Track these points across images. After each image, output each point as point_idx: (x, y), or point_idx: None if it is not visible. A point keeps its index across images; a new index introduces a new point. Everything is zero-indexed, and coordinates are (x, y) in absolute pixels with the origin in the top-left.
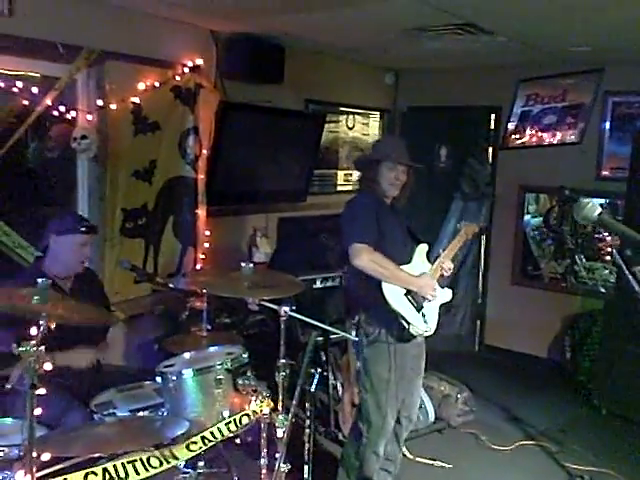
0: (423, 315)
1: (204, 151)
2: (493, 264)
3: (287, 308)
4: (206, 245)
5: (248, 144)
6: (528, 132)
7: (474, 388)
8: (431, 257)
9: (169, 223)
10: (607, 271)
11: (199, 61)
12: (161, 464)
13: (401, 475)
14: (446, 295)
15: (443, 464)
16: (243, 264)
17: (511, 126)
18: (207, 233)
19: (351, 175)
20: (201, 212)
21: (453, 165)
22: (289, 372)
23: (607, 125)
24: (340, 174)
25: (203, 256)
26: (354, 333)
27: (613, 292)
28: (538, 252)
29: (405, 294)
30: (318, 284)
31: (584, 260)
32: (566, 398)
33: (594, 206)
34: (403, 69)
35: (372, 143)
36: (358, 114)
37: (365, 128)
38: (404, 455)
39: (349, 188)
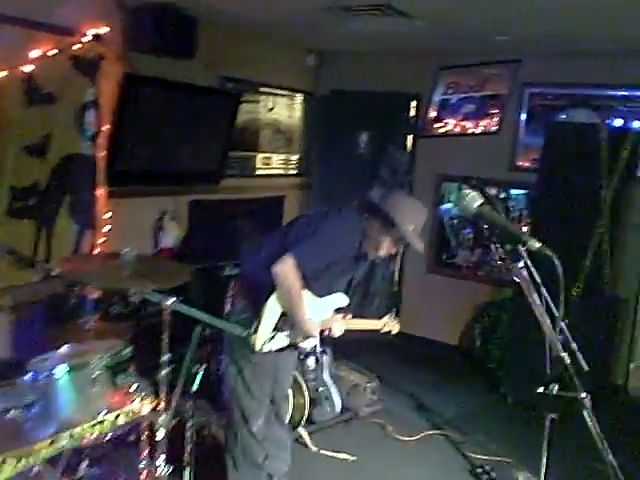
0: (272, 338)
1: (105, 127)
2: (410, 252)
3: (171, 300)
4: (107, 228)
5: (155, 121)
6: (447, 121)
7: (386, 377)
8: (340, 309)
9: (65, 204)
10: None
11: (102, 30)
12: (19, 461)
13: (303, 468)
14: (308, 343)
15: (347, 456)
16: (123, 250)
17: (431, 114)
18: (108, 215)
19: (270, 159)
20: (100, 192)
21: (373, 152)
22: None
23: (523, 116)
24: (259, 157)
25: (103, 240)
26: (228, 304)
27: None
28: (455, 241)
29: (282, 314)
30: (227, 271)
31: (499, 249)
32: (476, 386)
33: (474, 197)
34: (326, 51)
35: (395, 195)
36: (279, 95)
37: (285, 110)
38: (306, 446)
39: (269, 172)
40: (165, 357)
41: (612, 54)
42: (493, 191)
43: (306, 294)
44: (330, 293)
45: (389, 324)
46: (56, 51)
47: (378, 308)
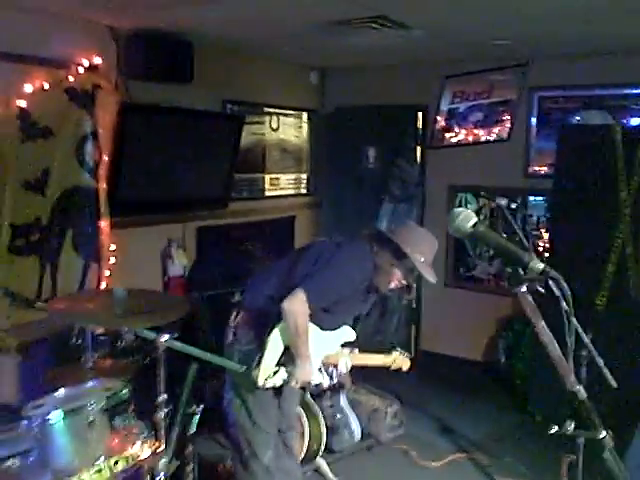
0: (274, 373)
1: (105, 157)
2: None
3: (165, 337)
4: (112, 260)
5: (156, 148)
6: (456, 130)
7: (407, 398)
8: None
9: (68, 238)
10: None
11: (97, 60)
12: None
13: None
14: (317, 379)
15: None
16: (115, 288)
17: (438, 125)
18: (112, 247)
19: (278, 179)
20: (104, 224)
21: (382, 166)
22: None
23: (534, 121)
24: (267, 178)
25: (108, 272)
26: (230, 335)
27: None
28: (474, 253)
29: (286, 347)
30: (237, 297)
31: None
32: (502, 404)
33: (467, 217)
34: (328, 67)
35: (406, 225)
36: (284, 115)
37: (290, 129)
38: (326, 477)
39: (278, 193)
40: (161, 397)
41: (623, 52)
42: (503, 201)
43: (312, 327)
44: (337, 327)
45: (399, 360)
46: (50, 84)
47: (396, 327)
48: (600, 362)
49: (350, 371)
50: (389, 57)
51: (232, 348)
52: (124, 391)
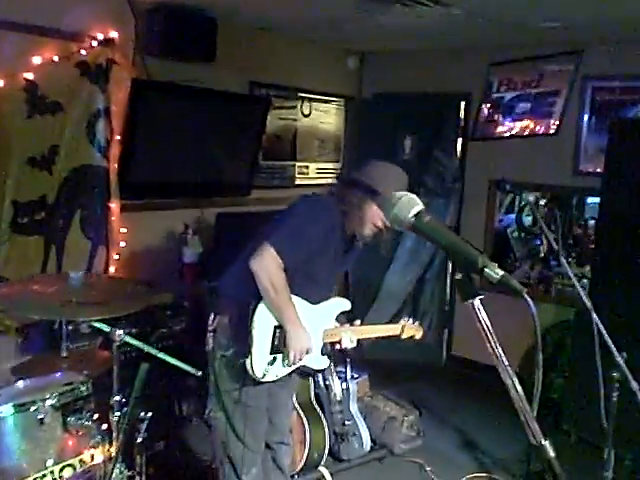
0: (273, 360)
1: (117, 137)
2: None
3: (119, 332)
4: (122, 244)
5: (173, 129)
6: (500, 122)
7: (430, 407)
8: (343, 318)
9: (76, 218)
10: None
11: (113, 34)
12: None
13: None
14: (318, 363)
15: None
16: (72, 274)
17: (481, 115)
18: (123, 230)
19: (308, 168)
20: (114, 206)
21: (418, 158)
22: None
23: (586, 114)
24: (296, 166)
25: (117, 257)
26: (210, 340)
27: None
28: (522, 254)
29: (275, 327)
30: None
31: (567, 263)
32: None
33: (410, 202)
34: (367, 52)
35: (372, 163)
36: (317, 100)
37: (323, 116)
38: None
39: (307, 182)
40: (116, 398)
41: None
42: (531, 197)
43: (299, 302)
44: (325, 297)
45: (408, 328)
46: (60, 57)
47: (427, 330)
48: (635, 386)
49: (369, 375)
50: (430, 41)
51: (214, 355)
52: (82, 388)
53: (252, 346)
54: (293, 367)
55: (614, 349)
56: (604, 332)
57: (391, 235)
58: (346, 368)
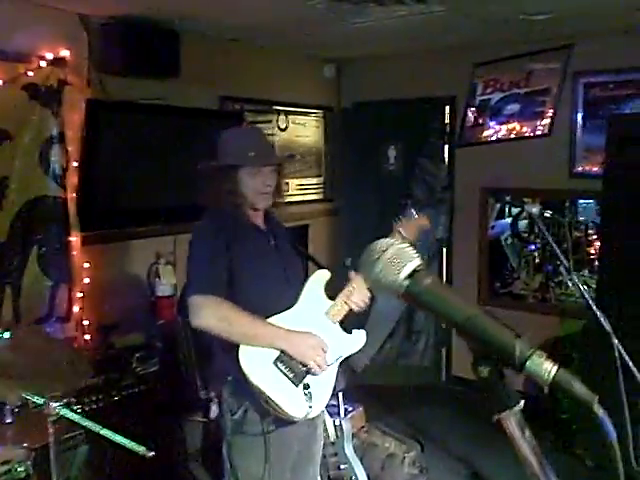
0: (305, 388)
1: (74, 163)
2: (457, 281)
3: (55, 405)
4: (86, 281)
5: (137, 151)
6: (488, 125)
7: (432, 434)
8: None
9: (32, 256)
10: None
11: (64, 52)
12: None
13: None
14: (354, 343)
15: None
16: None
17: (468, 119)
18: (86, 265)
19: (287, 185)
20: (74, 239)
21: (403, 167)
22: None
23: (579, 112)
24: None
25: (81, 294)
26: (214, 407)
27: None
28: (518, 263)
29: (276, 360)
30: None
31: (565, 271)
32: (544, 444)
33: (401, 257)
34: (344, 59)
35: (219, 138)
36: (293, 113)
37: (301, 129)
38: None
39: (288, 200)
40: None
41: None
42: (534, 209)
43: (276, 320)
44: (296, 292)
45: (407, 227)
46: (4, 80)
47: (424, 350)
48: None
49: (365, 406)
50: (410, 44)
51: (224, 421)
52: (20, 469)
53: (268, 396)
54: (333, 367)
55: (637, 372)
56: (627, 358)
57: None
58: (338, 402)
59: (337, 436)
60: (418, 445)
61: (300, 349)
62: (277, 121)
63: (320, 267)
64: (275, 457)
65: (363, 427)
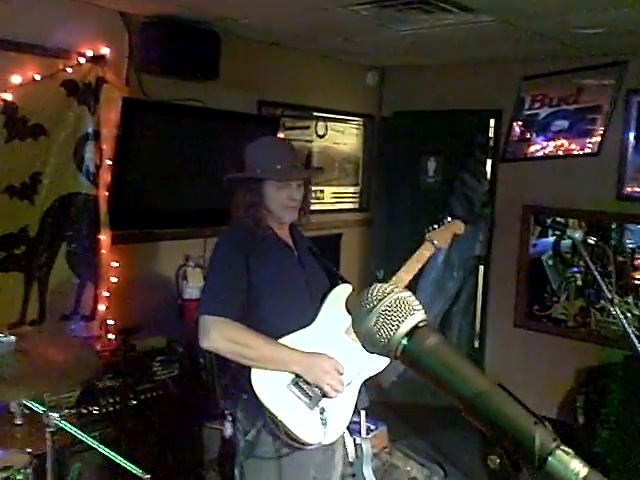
0: (321, 413)
1: (108, 162)
2: (492, 301)
3: (55, 415)
4: (113, 280)
5: (171, 153)
6: (534, 141)
7: (457, 458)
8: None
9: (61, 252)
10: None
11: (103, 50)
12: None
13: None
14: (375, 363)
15: None
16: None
17: (513, 134)
18: (114, 264)
19: (323, 192)
20: (104, 237)
21: (443, 181)
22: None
23: (631, 131)
24: (312, 190)
25: (107, 294)
26: (228, 425)
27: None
28: (558, 285)
29: (290, 383)
30: None
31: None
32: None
33: (400, 308)
34: (387, 67)
35: (246, 149)
36: (332, 120)
37: (340, 136)
38: None
39: (321, 207)
40: None
41: None
42: (577, 234)
43: (292, 339)
44: (307, 306)
45: (439, 234)
46: (43, 76)
47: None
48: None
49: (388, 425)
50: (455, 54)
51: (237, 441)
52: (19, 476)
53: (281, 421)
54: (352, 390)
55: None
56: None
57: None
58: (360, 420)
59: (357, 456)
60: (441, 470)
61: (314, 372)
62: (316, 127)
63: (344, 281)
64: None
65: (385, 447)
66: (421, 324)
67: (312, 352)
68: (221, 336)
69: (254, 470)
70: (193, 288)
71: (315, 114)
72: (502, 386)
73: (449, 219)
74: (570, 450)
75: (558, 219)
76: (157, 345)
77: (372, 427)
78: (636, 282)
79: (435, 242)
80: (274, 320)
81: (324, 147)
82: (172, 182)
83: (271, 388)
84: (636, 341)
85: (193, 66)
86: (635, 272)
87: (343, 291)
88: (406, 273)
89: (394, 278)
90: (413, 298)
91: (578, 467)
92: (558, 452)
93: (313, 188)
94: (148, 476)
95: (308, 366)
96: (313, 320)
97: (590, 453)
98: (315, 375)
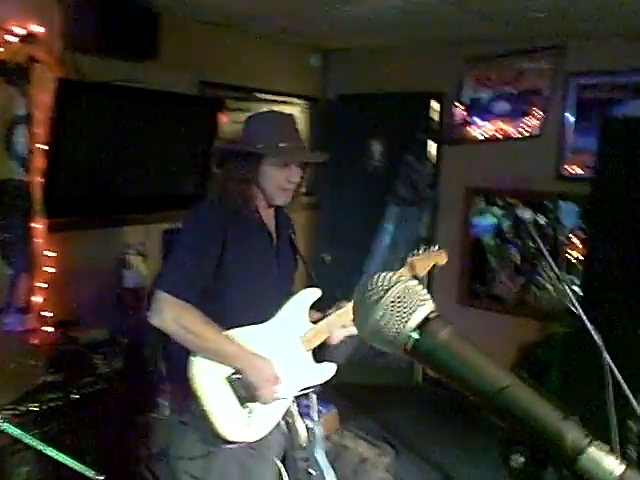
0: (249, 412)
1: (41, 146)
2: (437, 281)
3: None
4: (50, 270)
5: (109, 136)
6: (477, 124)
7: (406, 439)
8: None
9: None
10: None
11: (35, 28)
12: None
13: None
14: (319, 375)
15: None
16: None
17: (457, 117)
18: (50, 254)
19: None
20: (38, 226)
21: (388, 164)
22: None
23: (570, 113)
24: None
25: (44, 285)
26: (164, 406)
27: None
28: (498, 263)
29: (228, 376)
30: None
31: (550, 273)
32: (522, 450)
33: (408, 299)
34: (331, 49)
35: (246, 121)
36: (276, 102)
37: None
38: None
39: None
40: None
41: None
42: (527, 214)
43: (243, 332)
44: (278, 307)
45: (421, 260)
46: None
47: None
48: None
49: (339, 413)
50: (399, 36)
51: (170, 423)
52: None
53: (209, 411)
54: (287, 400)
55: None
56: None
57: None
58: (312, 404)
59: (309, 440)
60: (391, 449)
61: (256, 375)
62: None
63: (313, 283)
64: (217, 461)
65: (336, 430)
66: (432, 315)
67: (260, 356)
68: (174, 319)
69: (181, 436)
70: (135, 277)
71: (258, 96)
72: (525, 379)
73: (436, 247)
74: (604, 445)
75: (509, 200)
76: (99, 337)
77: (323, 410)
78: (571, 261)
79: (415, 267)
80: (233, 311)
81: None
82: (111, 167)
83: (207, 377)
84: (584, 315)
85: (131, 45)
86: (570, 250)
87: (310, 295)
88: None
89: (342, 307)
90: (421, 287)
91: (613, 464)
92: (591, 449)
93: None
94: (102, 477)
95: (252, 367)
96: (270, 318)
97: None
98: (256, 378)
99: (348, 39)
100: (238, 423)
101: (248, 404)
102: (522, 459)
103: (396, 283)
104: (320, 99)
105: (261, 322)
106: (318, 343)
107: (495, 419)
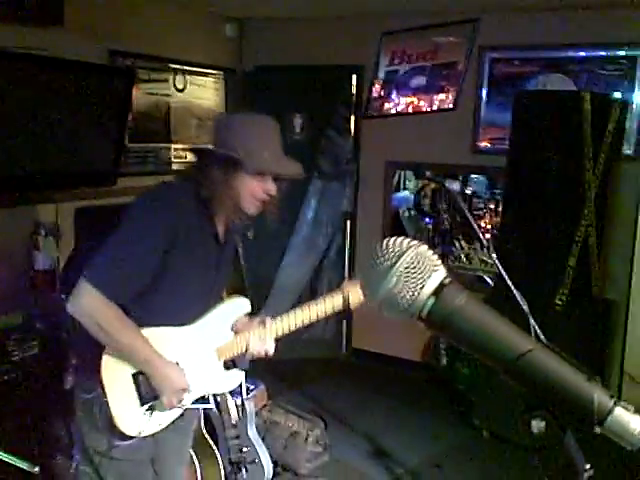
0: (150, 411)
1: None
2: (360, 253)
3: None
4: None
5: (12, 108)
6: (394, 98)
7: (334, 411)
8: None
9: None
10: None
11: None
12: None
13: None
14: (227, 382)
15: None
16: None
17: (375, 91)
18: None
19: (186, 151)
20: None
21: (310, 138)
22: None
23: (484, 87)
24: (172, 149)
25: None
26: (70, 379)
27: (496, 283)
28: (414, 235)
29: (137, 373)
30: None
31: (463, 244)
32: (443, 417)
33: (421, 265)
34: (248, 19)
35: (223, 120)
36: (191, 73)
37: (200, 90)
38: None
39: (183, 167)
40: None
41: (591, 6)
42: (455, 185)
43: (162, 333)
44: (204, 311)
45: (352, 291)
46: None
47: (326, 321)
48: None
49: (267, 389)
50: (318, 6)
51: (73, 397)
52: None
53: (111, 403)
54: (183, 409)
55: None
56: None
57: (278, 203)
58: (241, 382)
59: (240, 417)
60: (321, 422)
61: (163, 383)
62: (174, 80)
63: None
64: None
65: (265, 405)
66: (446, 281)
67: (174, 365)
68: (90, 315)
69: (91, 413)
70: (46, 258)
71: (172, 66)
72: (545, 343)
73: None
74: (630, 406)
75: (428, 173)
76: (12, 322)
77: (251, 387)
78: (481, 230)
79: (350, 297)
80: (155, 310)
81: (184, 102)
82: (15, 141)
83: (116, 368)
84: (509, 281)
85: (34, 10)
86: (480, 220)
87: (239, 307)
88: (295, 319)
89: (269, 323)
90: (432, 252)
91: (638, 425)
92: (617, 410)
93: (176, 146)
94: (37, 468)
95: (161, 374)
96: (192, 322)
97: (453, 391)
98: (162, 385)
99: (263, 8)
100: (136, 420)
101: (148, 404)
102: (543, 423)
103: (408, 248)
104: (237, 70)
105: (181, 325)
106: (232, 357)
107: (516, 384)
